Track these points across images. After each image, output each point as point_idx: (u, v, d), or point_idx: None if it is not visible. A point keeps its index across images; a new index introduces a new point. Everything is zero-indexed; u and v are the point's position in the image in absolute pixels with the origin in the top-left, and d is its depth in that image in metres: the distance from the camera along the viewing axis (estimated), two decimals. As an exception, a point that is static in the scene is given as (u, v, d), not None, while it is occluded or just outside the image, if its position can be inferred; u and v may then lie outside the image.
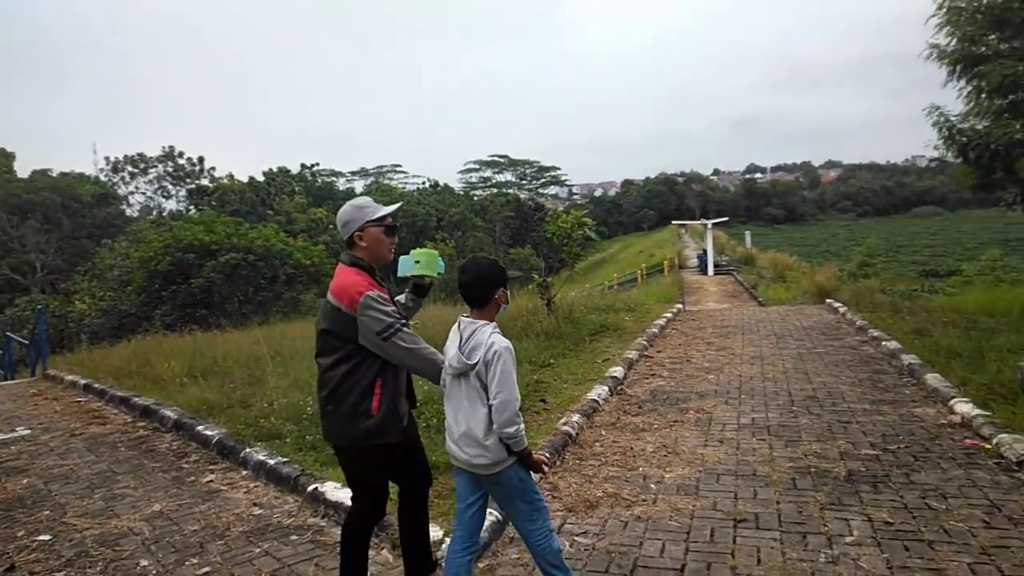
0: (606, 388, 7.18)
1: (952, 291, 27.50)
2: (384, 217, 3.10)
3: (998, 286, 24.13)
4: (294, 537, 4.08)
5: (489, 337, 2.76)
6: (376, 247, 3.06)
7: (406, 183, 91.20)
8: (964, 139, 9.69)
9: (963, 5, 9.60)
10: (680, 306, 15.73)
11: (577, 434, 5.72)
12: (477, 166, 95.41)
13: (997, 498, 4.03)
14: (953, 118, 9.93)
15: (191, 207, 56.94)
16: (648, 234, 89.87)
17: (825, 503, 4.12)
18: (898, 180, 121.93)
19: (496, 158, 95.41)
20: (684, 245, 54.81)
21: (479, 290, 2.85)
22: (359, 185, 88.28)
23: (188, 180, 64.50)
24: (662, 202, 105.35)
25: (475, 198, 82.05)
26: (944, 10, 9.69)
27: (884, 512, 3.92)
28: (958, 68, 9.51)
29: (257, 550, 3.92)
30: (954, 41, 9.55)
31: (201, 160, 64.88)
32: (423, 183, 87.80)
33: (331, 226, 54.63)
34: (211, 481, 5.18)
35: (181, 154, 64.98)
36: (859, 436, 5.42)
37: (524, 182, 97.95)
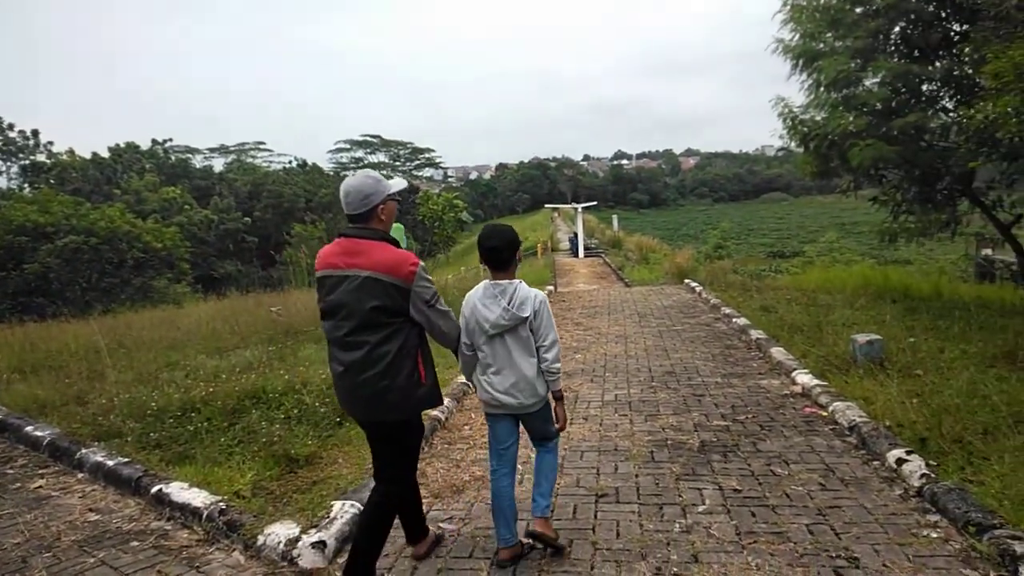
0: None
1: (795, 271, 29.96)
2: (396, 192, 3.11)
3: (834, 266, 26.58)
4: (135, 543, 3.74)
5: (530, 291, 3.19)
6: (390, 221, 3.10)
7: (271, 162, 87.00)
8: (805, 129, 10.45)
9: (804, 4, 10.33)
10: (552, 288, 16.09)
11: (446, 418, 5.66)
12: (348, 146, 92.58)
13: (832, 462, 4.39)
14: (796, 109, 10.69)
15: (25, 185, 51.33)
16: (522, 217, 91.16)
17: (680, 474, 4.31)
18: (749, 168, 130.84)
19: (368, 138, 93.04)
20: (556, 228, 56.06)
21: (508, 253, 3.18)
22: (218, 163, 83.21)
23: (21, 155, 58.02)
24: (535, 186, 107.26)
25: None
26: (788, 7, 10.39)
27: (733, 480, 4.15)
28: (800, 62, 10.23)
29: (91, 560, 3.55)
30: (796, 37, 10.28)
31: (36, 133, 58.51)
32: (290, 162, 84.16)
33: (187, 206, 51.17)
34: (40, 487, 4.66)
35: (11, 126, 58.25)
36: (711, 408, 5.73)
37: (398, 164, 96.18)
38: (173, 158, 68.86)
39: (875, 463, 4.30)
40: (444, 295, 10.98)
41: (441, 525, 3.75)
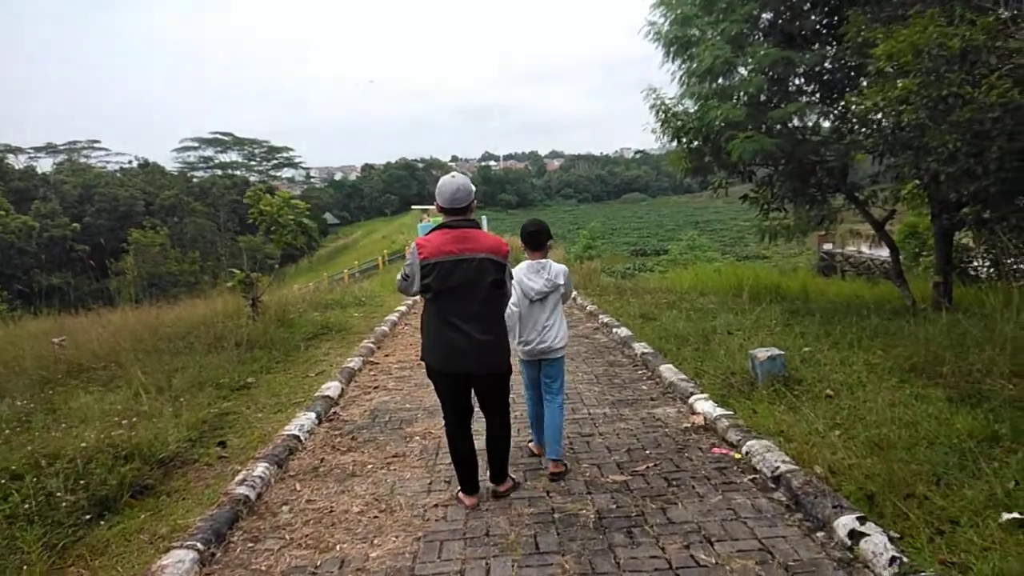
0: (313, 415, 5.67)
1: (661, 269, 30.38)
2: None
3: (696, 263, 27.04)
4: None
5: (559, 266, 4.34)
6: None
7: (108, 162, 78.71)
8: (679, 122, 9.74)
9: (676, -15, 9.61)
10: (418, 296, 14.65)
11: (259, 495, 4.16)
12: (197, 144, 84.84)
13: (765, 535, 3.35)
14: (668, 101, 9.96)
15: None
16: (391, 219, 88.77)
17: (576, 574, 3.12)
18: (610, 170, 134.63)
19: (219, 135, 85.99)
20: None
21: (544, 238, 4.36)
22: (46, 163, 74.06)
23: None
24: (403, 187, 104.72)
25: (194, 180, 73.39)
26: (658, -11, 9.63)
27: (647, 580, 3.01)
28: (672, 50, 9.51)
29: None
30: (668, 22, 9.54)
31: None
32: (129, 162, 76.68)
33: (1, 212, 44.83)
34: None
35: None
36: (604, 454, 4.62)
37: (253, 163, 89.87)
38: (-14, 158, 60.34)
39: (820, 535, 3.30)
40: (284, 312, 9.27)
41: None
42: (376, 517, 3.83)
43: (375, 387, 6.88)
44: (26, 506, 3.72)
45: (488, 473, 4.09)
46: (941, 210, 8.68)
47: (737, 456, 4.38)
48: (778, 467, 3.94)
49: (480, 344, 3.66)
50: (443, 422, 4.13)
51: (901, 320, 7.66)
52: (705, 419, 5.09)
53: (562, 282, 4.28)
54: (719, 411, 5.06)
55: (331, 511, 3.95)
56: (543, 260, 4.31)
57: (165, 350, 7.55)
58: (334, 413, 6.00)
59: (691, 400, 5.49)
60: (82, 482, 3.98)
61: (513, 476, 4.18)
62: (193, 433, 5.15)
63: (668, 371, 6.40)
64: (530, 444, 4.70)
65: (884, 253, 17.05)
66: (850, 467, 3.83)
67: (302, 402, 6.15)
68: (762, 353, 5.71)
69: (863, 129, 7.92)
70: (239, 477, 4.27)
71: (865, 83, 7.55)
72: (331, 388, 6.47)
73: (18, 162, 68.74)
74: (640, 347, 7.54)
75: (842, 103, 8.40)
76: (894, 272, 9.60)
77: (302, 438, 5.19)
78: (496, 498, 3.98)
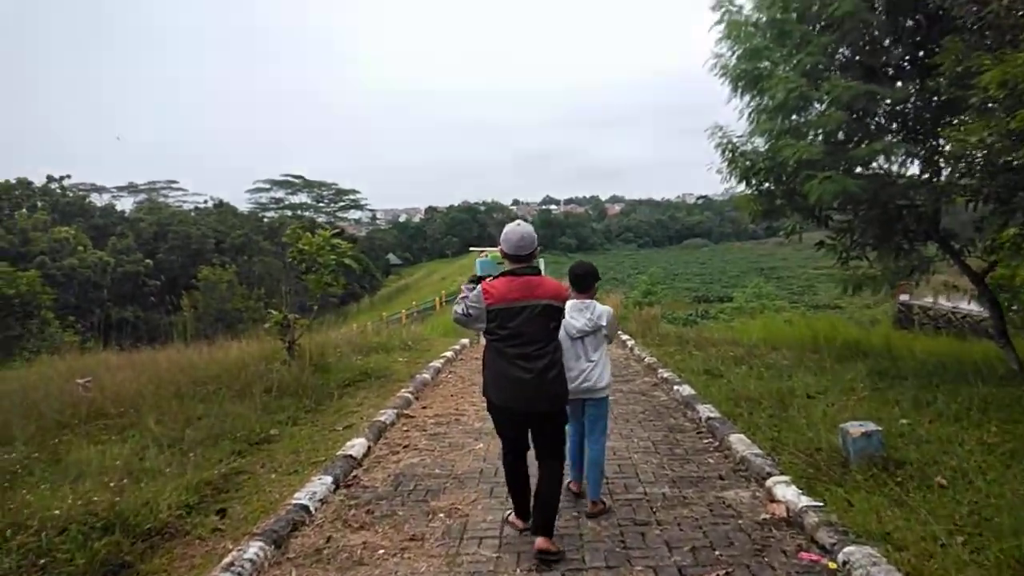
0: (330, 479, 5.03)
1: (725, 317, 29.02)
2: None
3: (764, 312, 25.66)
4: None
5: (603, 307, 4.54)
6: None
7: (184, 201, 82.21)
8: (748, 162, 8.94)
9: (742, 20, 8.93)
10: (467, 341, 13.98)
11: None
12: (268, 186, 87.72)
13: None
14: (736, 140, 9.19)
15: None
16: (452, 260, 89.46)
17: None
18: (671, 215, 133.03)
19: (290, 178, 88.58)
20: (482, 272, 54.18)
21: (591, 280, 4.58)
22: (127, 202, 77.92)
23: None
24: (465, 229, 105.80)
25: (265, 220, 75.71)
26: (724, 24, 8.95)
27: None
28: (740, 85, 8.78)
29: None
30: (736, 56, 8.83)
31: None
32: (204, 201, 79.81)
33: (80, 247, 46.87)
34: None
35: None
36: (662, 552, 3.80)
37: (321, 205, 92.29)
38: (70, 195, 63.69)
39: None
40: (322, 355, 8.79)
41: None
42: (376, 627, 3.12)
43: (405, 446, 6.21)
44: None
45: (533, 525, 4.04)
46: (1055, 262, 7.58)
47: (832, 566, 3.49)
48: (889, 590, 3.05)
49: (547, 382, 3.85)
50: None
51: (1013, 388, 6.59)
52: (788, 510, 4.21)
53: (604, 323, 4.46)
54: (805, 500, 4.17)
55: (324, 614, 3.26)
56: (588, 300, 4.49)
57: (189, 395, 7.09)
58: (354, 477, 5.34)
59: (769, 483, 4.60)
60: (42, 562, 3.41)
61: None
62: (192, 497, 4.57)
63: (739, 442, 5.52)
64: (570, 484, 4.67)
65: (965, 306, 15.58)
66: (988, 598, 2.92)
67: (322, 462, 5.53)
68: (855, 428, 4.80)
69: (959, 167, 6.99)
70: (226, 560, 3.64)
71: (956, 121, 6.65)
72: (356, 447, 5.83)
73: (101, 200, 72.52)
74: (705, 410, 6.66)
75: (931, 142, 7.50)
76: (996, 331, 8.42)
77: (312, 509, 4.54)
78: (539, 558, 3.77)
